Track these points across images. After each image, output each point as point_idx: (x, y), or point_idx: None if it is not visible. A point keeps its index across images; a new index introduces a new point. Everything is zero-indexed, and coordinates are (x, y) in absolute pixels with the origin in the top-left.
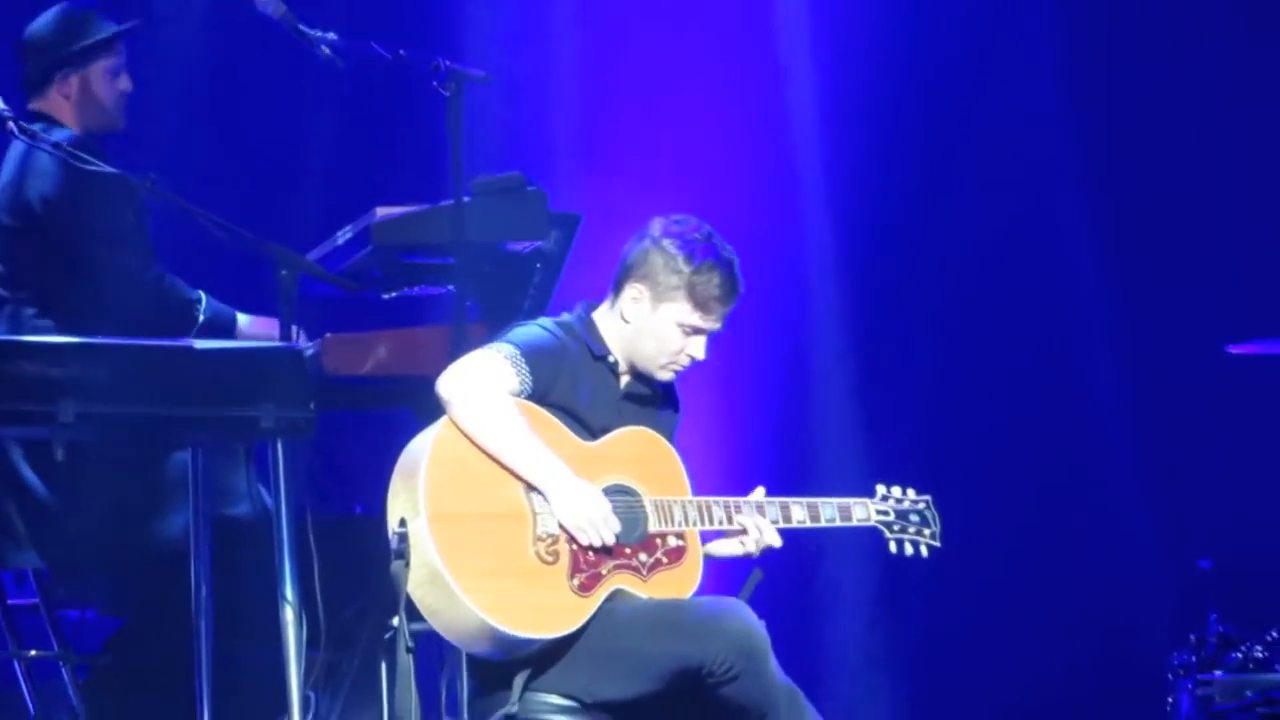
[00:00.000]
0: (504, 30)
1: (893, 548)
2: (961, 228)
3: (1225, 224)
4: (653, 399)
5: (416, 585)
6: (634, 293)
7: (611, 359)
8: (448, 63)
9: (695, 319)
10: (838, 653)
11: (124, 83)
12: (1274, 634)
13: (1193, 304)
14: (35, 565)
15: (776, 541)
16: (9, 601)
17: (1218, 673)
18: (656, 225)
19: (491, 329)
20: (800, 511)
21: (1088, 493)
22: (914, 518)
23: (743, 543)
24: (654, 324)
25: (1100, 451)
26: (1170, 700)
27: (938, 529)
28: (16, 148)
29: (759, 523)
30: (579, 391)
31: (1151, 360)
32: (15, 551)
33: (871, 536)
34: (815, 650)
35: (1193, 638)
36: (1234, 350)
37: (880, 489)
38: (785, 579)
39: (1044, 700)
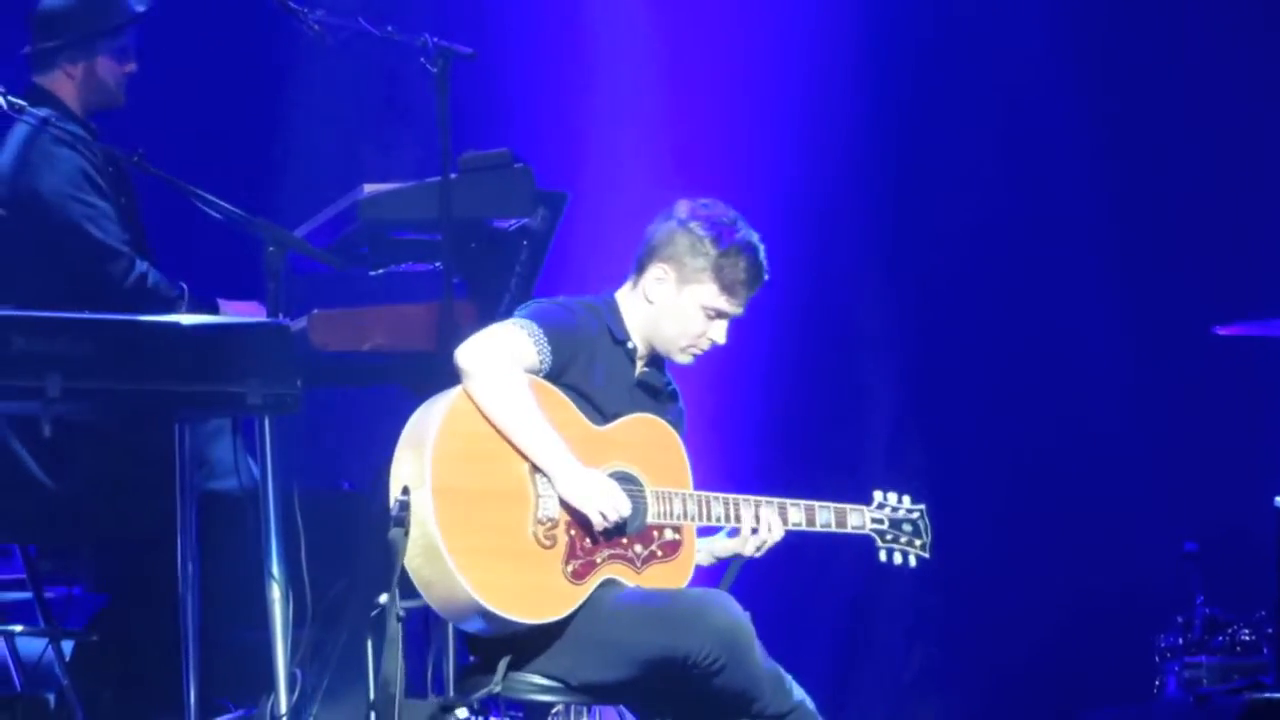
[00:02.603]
0: (493, 6)
1: (882, 556)
2: (953, 216)
3: (1211, 207)
4: (664, 393)
5: (413, 556)
6: (659, 273)
7: (631, 345)
8: (435, 39)
9: (720, 302)
10: (821, 636)
11: (129, 65)
12: (1261, 615)
13: (1179, 286)
14: (22, 541)
15: (777, 537)
16: None
17: (1204, 655)
18: (683, 207)
19: (479, 307)
20: (797, 514)
21: (1074, 476)
22: (906, 527)
23: (743, 546)
24: (678, 305)
25: (1087, 434)
26: (1157, 682)
27: (928, 539)
28: (14, 130)
29: (768, 518)
30: (593, 374)
31: (1138, 342)
32: (2, 526)
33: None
34: (799, 634)
35: (1180, 620)
36: (1221, 332)
37: (878, 495)
38: (770, 563)
39: (1031, 682)
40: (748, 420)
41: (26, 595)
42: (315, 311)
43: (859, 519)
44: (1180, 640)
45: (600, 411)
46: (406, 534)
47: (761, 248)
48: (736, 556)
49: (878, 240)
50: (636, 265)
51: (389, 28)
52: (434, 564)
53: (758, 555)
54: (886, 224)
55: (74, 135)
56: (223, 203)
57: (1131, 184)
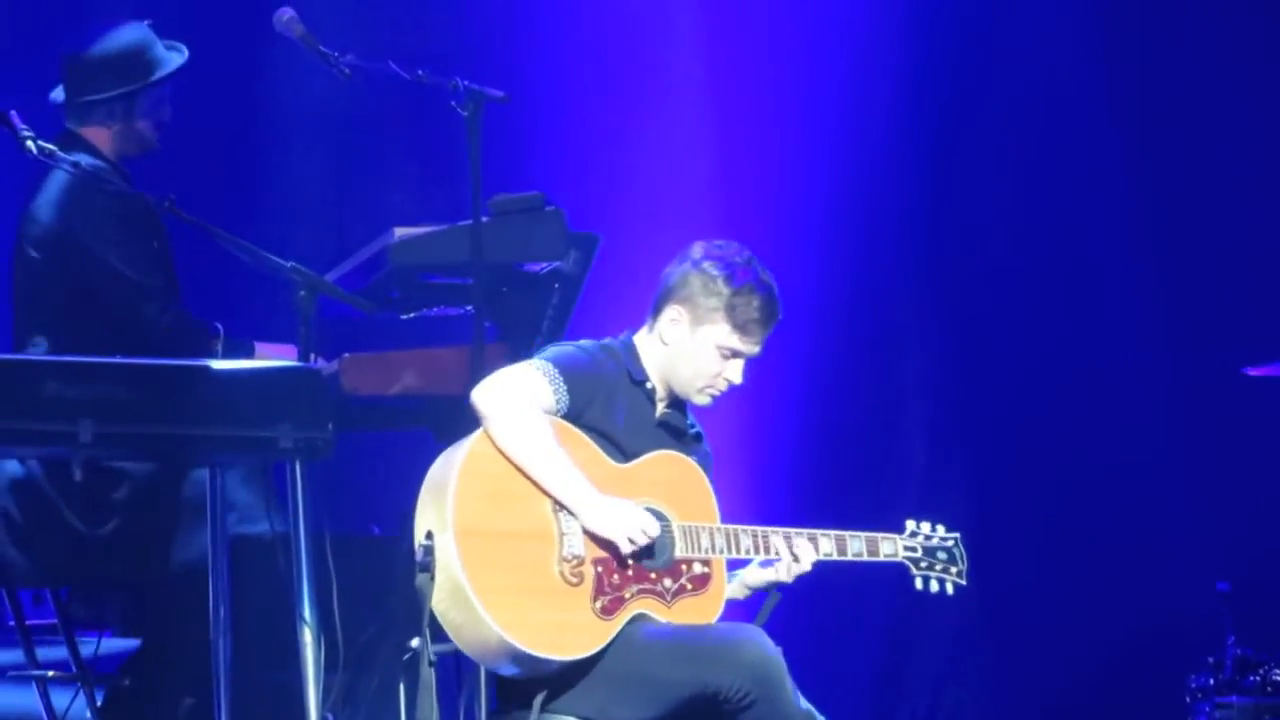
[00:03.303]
0: (523, 49)
1: (918, 584)
2: (988, 247)
3: (1243, 246)
4: (688, 435)
5: (440, 600)
6: (673, 314)
7: (650, 385)
8: (466, 82)
9: (734, 341)
10: (856, 673)
11: (166, 113)
12: None
13: (1210, 326)
14: (53, 585)
15: (808, 567)
16: (27, 621)
17: (1235, 696)
18: (697, 248)
19: (510, 349)
20: (828, 544)
21: (1106, 515)
22: (941, 555)
23: (776, 570)
24: (693, 346)
25: (1118, 473)
26: None
27: (964, 566)
28: (40, 170)
29: (798, 547)
30: (614, 414)
31: (1172, 381)
32: (34, 571)
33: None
34: (833, 671)
35: (1211, 660)
36: (1251, 373)
37: (910, 524)
38: (803, 600)
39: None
40: (783, 443)
41: (58, 640)
42: (346, 355)
43: (891, 547)
44: (1212, 680)
45: (622, 451)
46: (432, 579)
47: (774, 286)
48: (772, 591)
49: (913, 270)
50: (653, 308)
51: (420, 71)
52: (462, 607)
53: (790, 581)
54: (923, 259)
55: (108, 179)
56: (254, 247)
57: (1167, 223)
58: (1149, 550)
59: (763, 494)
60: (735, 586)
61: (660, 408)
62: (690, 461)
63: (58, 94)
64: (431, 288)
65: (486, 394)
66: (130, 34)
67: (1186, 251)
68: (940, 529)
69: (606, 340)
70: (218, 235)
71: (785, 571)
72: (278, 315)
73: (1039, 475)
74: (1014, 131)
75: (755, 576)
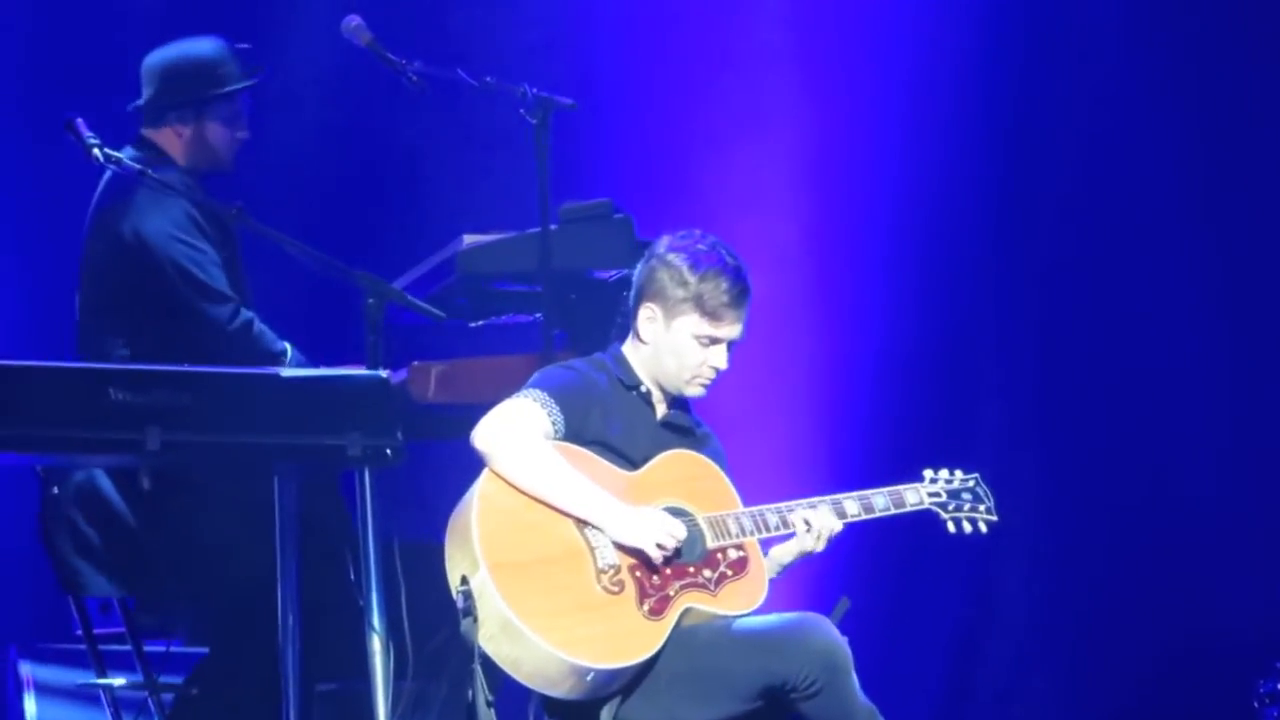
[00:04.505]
0: (591, 55)
1: (950, 527)
2: (1050, 244)
3: None
4: (695, 434)
5: (489, 639)
6: (648, 313)
7: (644, 389)
8: (535, 90)
9: (708, 328)
10: (921, 676)
11: (241, 131)
12: None
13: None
14: (121, 594)
15: (837, 526)
16: (95, 630)
17: None
18: (662, 242)
19: (579, 357)
20: (854, 505)
21: (1176, 513)
22: (966, 495)
23: (802, 543)
24: (670, 340)
25: (1191, 470)
26: None
27: (991, 503)
28: (108, 175)
29: (812, 515)
30: (612, 425)
31: (1239, 381)
32: (101, 579)
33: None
34: (898, 674)
35: (1278, 665)
36: None
37: (928, 473)
38: (869, 604)
39: None
40: (854, 436)
41: (126, 648)
42: (415, 363)
43: (916, 496)
44: (1278, 686)
45: (629, 460)
46: (477, 621)
47: (742, 266)
48: (841, 600)
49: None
50: (631, 311)
51: (488, 78)
52: (514, 639)
53: (820, 548)
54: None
55: (176, 183)
56: (322, 254)
57: (1250, 231)
58: (1218, 551)
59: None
60: (769, 565)
61: (661, 409)
62: (699, 455)
63: (137, 101)
64: (500, 295)
65: (486, 433)
66: (207, 45)
67: (1255, 249)
68: (959, 472)
69: (595, 355)
70: (286, 243)
71: (813, 540)
72: (347, 324)
73: (1109, 475)
74: (1079, 125)
75: (784, 551)
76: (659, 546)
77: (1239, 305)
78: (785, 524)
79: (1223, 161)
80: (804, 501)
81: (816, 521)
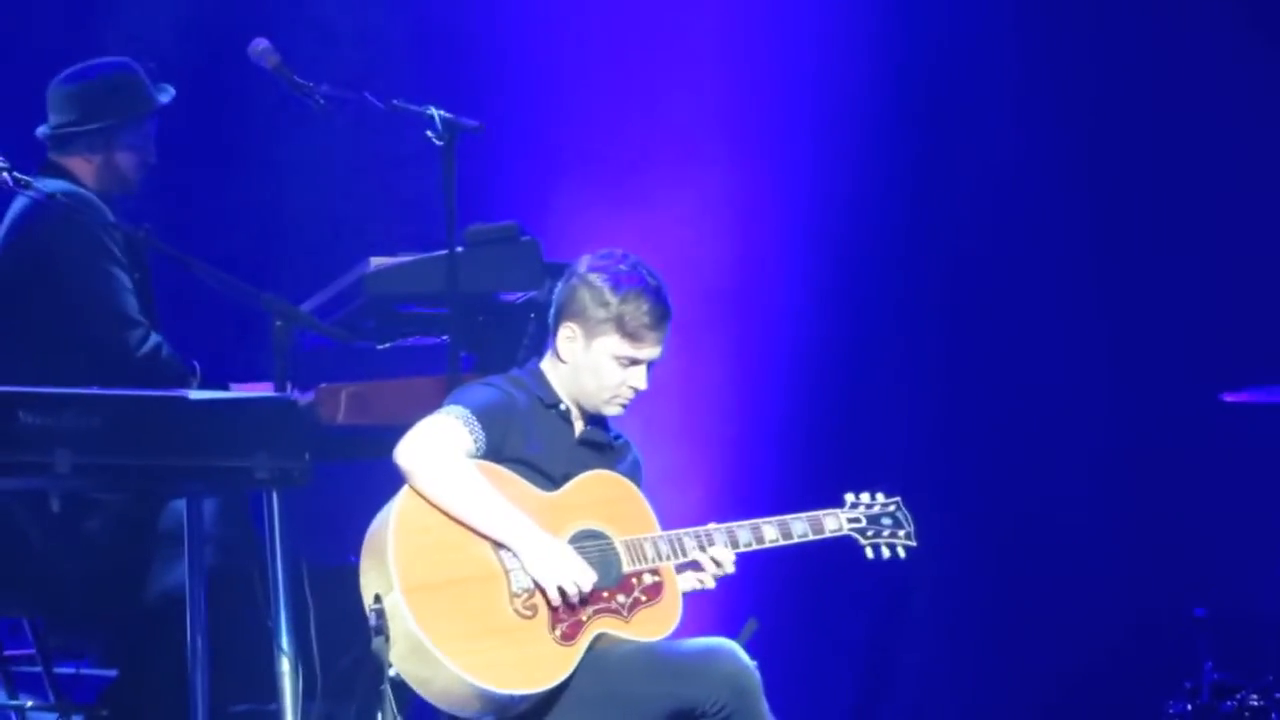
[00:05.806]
0: (495, 77)
1: (869, 553)
2: (947, 263)
3: (1220, 271)
4: (612, 448)
5: (401, 659)
6: (568, 332)
7: (563, 406)
8: (441, 112)
9: (627, 349)
10: (829, 698)
11: (151, 156)
12: (1269, 680)
13: (1187, 352)
14: (30, 615)
15: (732, 570)
16: (5, 652)
17: None
18: (583, 262)
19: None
20: (773, 531)
21: (1081, 540)
22: (886, 520)
23: (701, 580)
24: (590, 360)
25: (1094, 499)
26: None
27: (911, 528)
28: (17, 201)
29: (716, 554)
30: (531, 443)
31: (1146, 408)
32: (11, 601)
33: (863, 582)
34: (806, 698)
35: (1188, 686)
36: (1229, 399)
37: (849, 497)
38: (777, 623)
39: None
40: (765, 444)
41: (36, 670)
42: (322, 385)
43: (835, 523)
44: (1189, 706)
45: (549, 477)
46: (388, 640)
47: (663, 287)
48: (749, 621)
49: (873, 301)
50: (550, 329)
51: (394, 101)
52: (425, 661)
53: (713, 585)
54: (889, 275)
55: (86, 208)
56: (229, 277)
57: (1137, 245)
58: (1126, 576)
59: (744, 495)
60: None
61: (579, 426)
62: (618, 477)
63: (44, 127)
64: (407, 317)
65: (408, 450)
66: (115, 68)
67: (1162, 275)
68: (880, 496)
69: (514, 372)
70: (193, 266)
71: (710, 580)
72: (253, 348)
73: (1015, 498)
74: (971, 138)
75: (683, 585)
76: (560, 591)
77: (1149, 331)
78: (703, 550)
79: (1133, 189)
80: (723, 527)
81: (717, 564)
